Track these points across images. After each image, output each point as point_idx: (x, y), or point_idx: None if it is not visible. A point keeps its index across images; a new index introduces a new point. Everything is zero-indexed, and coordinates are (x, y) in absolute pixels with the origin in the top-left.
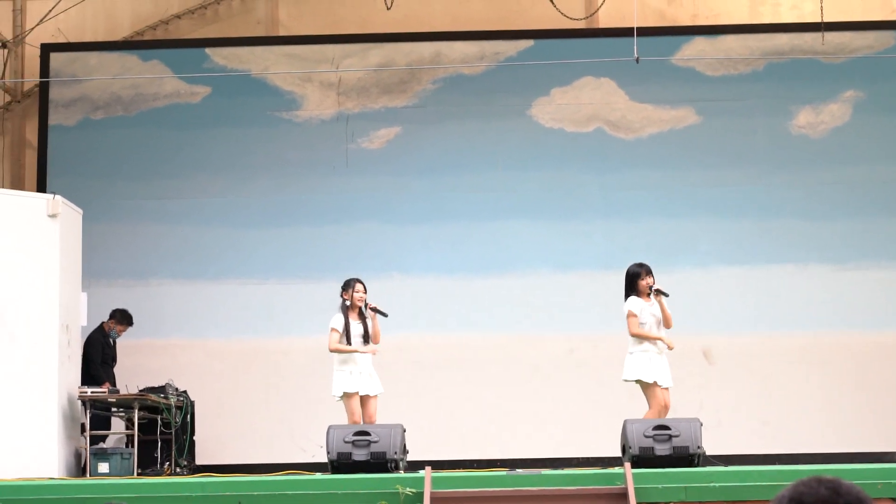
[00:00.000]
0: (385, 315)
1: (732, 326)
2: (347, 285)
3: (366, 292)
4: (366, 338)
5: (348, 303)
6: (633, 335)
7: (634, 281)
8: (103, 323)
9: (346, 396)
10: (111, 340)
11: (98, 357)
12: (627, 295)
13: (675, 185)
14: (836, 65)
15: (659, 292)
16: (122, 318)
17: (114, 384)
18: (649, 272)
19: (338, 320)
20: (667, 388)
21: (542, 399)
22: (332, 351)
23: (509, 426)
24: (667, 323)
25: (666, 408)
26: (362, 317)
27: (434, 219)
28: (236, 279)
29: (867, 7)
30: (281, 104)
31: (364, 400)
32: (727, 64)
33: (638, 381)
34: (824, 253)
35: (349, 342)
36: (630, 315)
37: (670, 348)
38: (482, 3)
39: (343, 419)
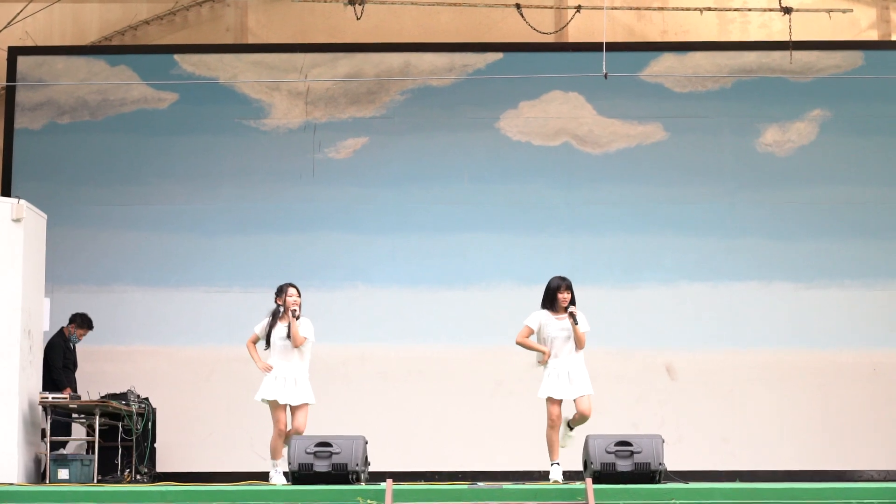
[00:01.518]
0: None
1: (695, 343)
2: (280, 290)
3: (299, 296)
4: (289, 341)
5: (281, 307)
6: (517, 343)
7: (553, 294)
8: (63, 328)
9: (270, 403)
10: (71, 345)
11: (59, 362)
12: (543, 306)
13: (641, 201)
14: (804, 84)
15: (572, 317)
16: (82, 322)
17: (75, 389)
18: (567, 287)
19: (260, 324)
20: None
21: (504, 412)
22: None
23: (471, 439)
24: (578, 344)
25: (553, 421)
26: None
27: (400, 230)
28: (200, 287)
29: (835, 27)
30: (248, 112)
31: (292, 409)
32: (695, 81)
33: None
34: (788, 271)
35: (268, 344)
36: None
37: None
38: (452, 14)
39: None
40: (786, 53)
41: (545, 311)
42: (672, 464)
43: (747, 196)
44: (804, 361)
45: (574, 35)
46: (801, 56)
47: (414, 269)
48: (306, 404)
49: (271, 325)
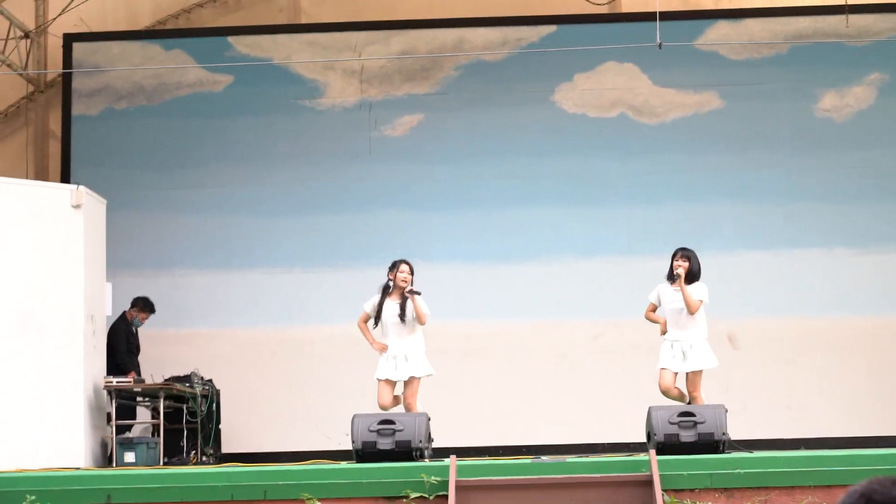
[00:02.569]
0: (418, 293)
1: (757, 311)
2: (393, 266)
3: (412, 274)
4: (402, 319)
5: (391, 283)
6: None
7: (670, 264)
8: (125, 312)
9: (378, 381)
10: (134, 329)
11: (123, 346)
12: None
13: (698, 170)
14: (860, 47)
15: (677, 276)
16: (145, 305)
17: (139, 373)
18: (684, 256)
19: (370, 301)
20: (666, 370)
21: (566, 385)
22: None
23: (534, 413)
24: (688, 308)
25: (663, 390)
26: (404, 298)
27: (457, 206)
28: (261, 268)
29: None
30: (303, 92)
31: (405, 384)
32: (750, 48)
33: None
34: (849, 237)
35: (377, 322)
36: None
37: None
38: None
39: (369, 407)
40: (841, 17)
41: (665, 283)
42: (736, 433)
43: (806, 162)
44: (866, 327)
45: (627, 5)
46: (856, 19)
47: (472, 245)
48: (416, 378)
49: (381, 303)
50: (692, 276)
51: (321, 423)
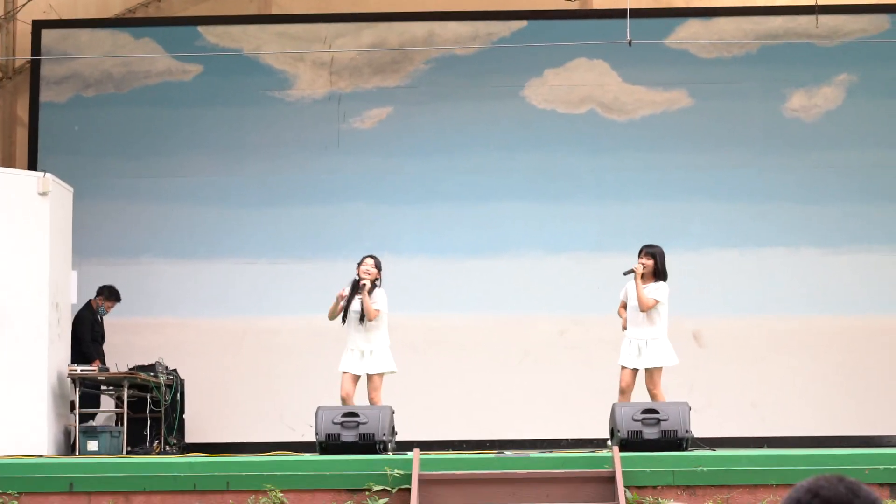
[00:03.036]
0: (370, 289)
1: (724, 309)
2: (360, 261)
3: (377, 269)
4: (361, 315)
5: (357, 278)
6: None
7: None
8: (91, 300)
9: (342, 374)
10: (99, 317)
11: (88, 335)
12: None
13: (667, 168)
14: (830, 48)
15: (632, 272)
16: (110, 294)
17: (103, 362)
18: (648, 254)
19: (345, 290)
20: (627, 369)
21: (531, 380)
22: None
23: (499, 407)
24: (640, 304)
25: (621, 389)
26: (369, 293)
27: (426, 200)
28: (228, 259)
29: None
30: (273, 83)
31: (368, 379)
32: (721, 46)
33: None
34: (816, 237)
35: (344, 318)
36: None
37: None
38: None
39: (333, 399)
40: (812, 18)
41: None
42: (701, 430)
43: (774, 162)
44: (832, 327)
45: (598, 2)
46: (827, 20)
47: (440, 239)
48: (377, 375)
49: (350, 297)
50: (657, 274)
51: (285, 414)
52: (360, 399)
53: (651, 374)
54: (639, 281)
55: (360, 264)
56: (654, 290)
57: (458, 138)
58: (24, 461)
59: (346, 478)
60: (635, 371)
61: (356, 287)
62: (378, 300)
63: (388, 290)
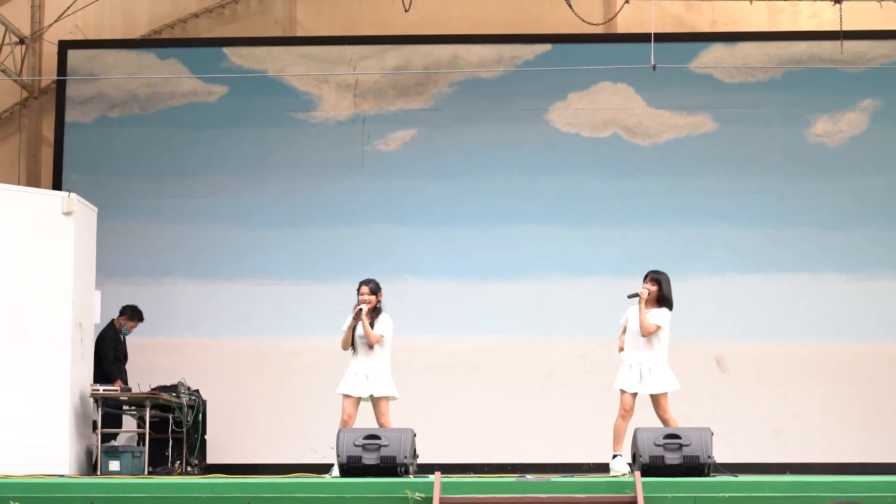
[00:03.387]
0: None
1: (746, 334)
2: (358, 287)
3: (372, 294)
4: (363, 339)
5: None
6: None
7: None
8: (114, 320)
9: (343, 396)
10: (122, 337)
11: (111, 354)
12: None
13: (691, 192)
14: (855, 73)
15: (636, 295)
16: (133, 314)
17: (125, 382)
18: (653, 279)
19: (346, 320)
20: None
21: (553, 404)
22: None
23: (520, 431)
24: (641, 329)
25: (625, 409)
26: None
27: (449, 222)
28: (250, 279)
29: (886, 16)
30: (297, 105)
31: (373, 402)
32: (745, 71)
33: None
34: (839, 262)
35: (353, 343)
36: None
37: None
38: (500, 6)
39: (357, 422)
40: (836, 43)
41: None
42: (723, 456)
43: (798, 187)
44: (856, 353)
45: (623, 26)
46: (851, 46)
47: (463, 262)
48: (380, 398)
49: (354, 324)
50: (661, 300)
51: (307, 435)
52: (366, 424)
53: (658, 400)
54: (642, 305)
55: (358, 291)
56: (656, 315)
57: (481, 161)
58: (47, 481)
59: (367, 500)
60: (635, 395)
61: (358, 314)
62: (381, 325)
63: (410, 311)
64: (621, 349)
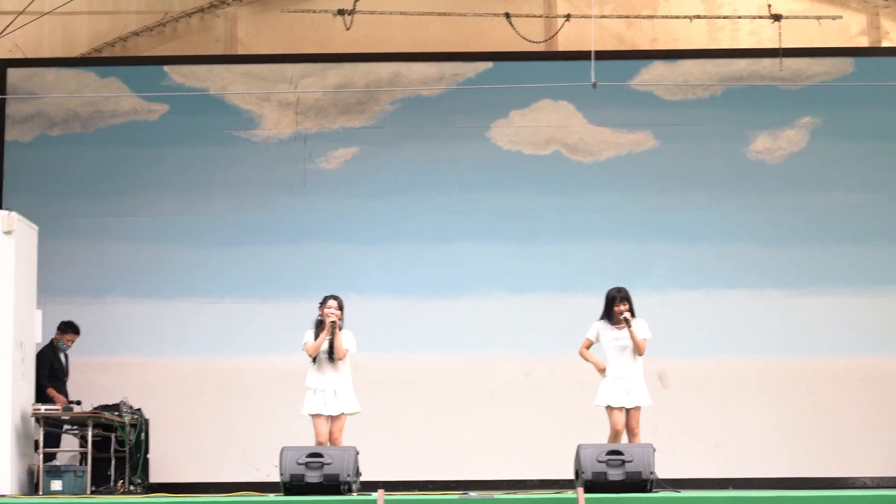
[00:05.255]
0: (339, 329)
1: (688, 350)
2: (323, 301)
3: (340, 310)
4: (330, 354)
5: (320, 318)
6: (579, 354)
7: (609, 305)
8: (53, 338)
9: (311, 416)
10: (62, 354)
11: (45, 372)
12: (602, 317)
13: (632, 209)
14: (794, 91)
15: (627, 322)
16: (66, 327)
17: (67, 398)
18: (623, 298)
19: (307, 335)
20: (621, 410)
21: (496, 421)
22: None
23: (463, 448)
24: (637, 350)
25: (617, 432)
26: (332, 333)
27: (390, 240)
28: (192, 298)
29: (825, 34)
30: (239, 123)
31: (332, 420)
32: (685, 88)
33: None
34: (780, 278)
35: (314, 359)
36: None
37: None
38: (441, 24)
39: (298, 440)
40: (776, 61)
41: (603, 322)
42: (665, 472)
43: (738, 203)
44: (796, 368)
45: (564, 44)
46: (791, 63)
47: (405, 279)
48: (343, 414)
49: (316, 336)
50: (631, 313)
51: (250, 454)
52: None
53: (637, 413)
54: (631, 329)
55: (322, 304)
56: (643, 329)
57: (423, 179)
58: None
59: None
60: (623, 410)
61: (319, 326)
62: (348, 340)
63: (352, 329)
64: (602, 370)
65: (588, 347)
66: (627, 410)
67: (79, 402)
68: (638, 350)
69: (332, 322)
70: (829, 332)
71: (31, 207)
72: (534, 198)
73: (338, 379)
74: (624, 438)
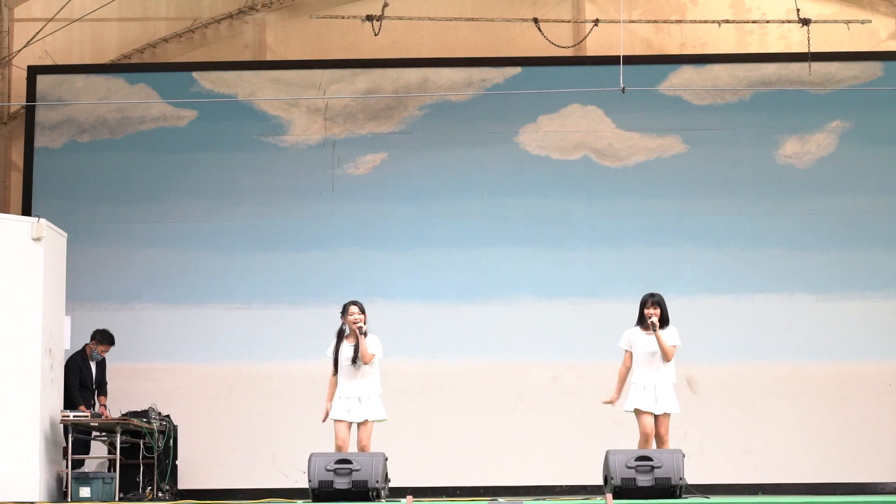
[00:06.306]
0: (364, 334)
1: (716, 355)
2: (344, 309)
3: (362, 313)
4: (354, 362)
5: (345, 326)
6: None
7: (641, 310)
8: (86, 345)
9: (334, 422)
10: (91, 363)
11: (75, 381)
12: (636, 323)
13: (660, 214)
14: (823, 95)
15: (654, 327)
16: (103, 338)
17: (89, 407)
18: (655, 303)
19: (330, 347)
20: (650, 414)
21: (525, 426)
22: None
23: (492, 453)
24: (665, 356)
25: (647, 435)
26: (356, 339)
27: (419, 245)
28: (221, 304)
29: (854, 38)
30: (267, 129)
31: (358, 426)
32: (714, 93)
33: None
34: (809, 283)
35: (336, 367)
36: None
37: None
38: (470, 30)
39: (327, 446)
40: (804, 65)
41: (636, 328)
42: (694, 477)
43: (767, 208)
44: (826, 373)
45: (592, 49)
46: (819, 67)
47: (433, 284)
48: (369, 421)
49: (338, 347)
50: (663, 320)
51: (278, 460)
52: (350, 445)
53: (667, 419)
54: (658, 333)
55: (344, 312)
56: (672, 336)
57: (451, 184)
58: None
59: None
60: (653, 416)
61: (341, 335)
62: (373, 345)
63: (380, 334)
64: (609, 401)
65: (630, 359)
66: (656, 417)
67: (99, 416)
68: (665, 356)
69: (360, 327)
70: (859, 336)
71: (59, 214)
72: (562, 203)
73: (365, 386)
74: (653, 445)
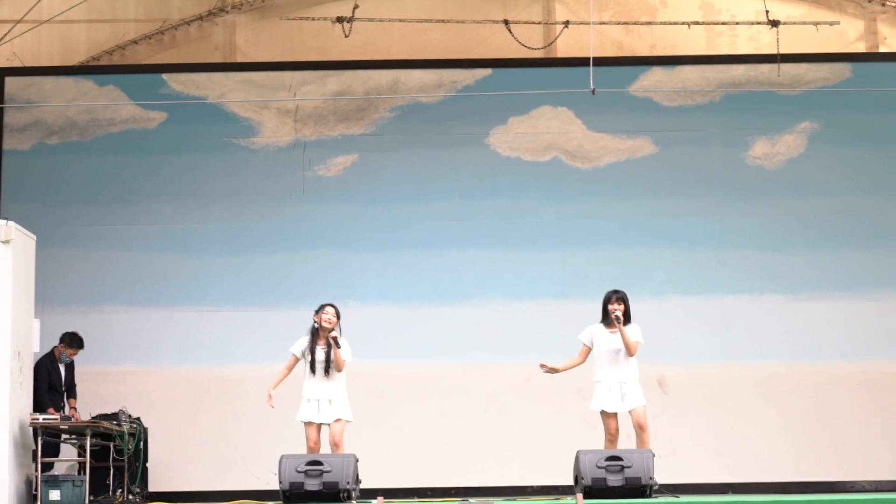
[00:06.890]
0: (338, 347)
1: (687, 356)
2: (319, 309)
3: (337, 318)
4: (326, 365)
5: (317, 326)
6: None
7: (605, 306)
8: (54, 348)
9: (304, 424)
10: (60, 366)
11: (43, 383)
12: (601, 320)
13: (631, 215)
14: (792, 96)
15: (618, 321)
16: (72, 341)
17: (57, 410)
18: (619, 299)
19: (297, 344)
20: (615, 415)
21: (496, 427)
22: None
23: (463, 454)
24: (628, 350)
25: (612, 436)
26: (328, 343)
27: (390, 247)
28: (192, 306)
29: (823, 40)
30: (238, 131)
31: (330, 427)
32: (684, 94)
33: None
34: (779, 283)
35: (312, 368)
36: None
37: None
38: (440, 31)
39: (298, 448)
40: (774, 66)
41: (599, 325)
42: (666, 477)
43: (737, 209)
44: (796, 373)
45: (563, 50)
46: (789, 69)
47: (405, 286)
48: (341, 420)
49: (312, 346)
50: (627, 317)
51: (249, 462)
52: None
53: (638, 412)
54: (621, 327)
55: (318, 312)
56: (634, 332)
57: (422, 186)
58: None
59: None
60: (616, 415)
61: (315, 334)
62: (345, 351)
63: (353, 336)
64: (548, 370)
65: (587, 353)
66: (631, 412)
67: (69, 419)
68: (629, 350)
69: (334, 337)
70: (830, 336)
71: (28, 216)
72: (533, 204)
73: (334, 388)
74: (632, 438)
